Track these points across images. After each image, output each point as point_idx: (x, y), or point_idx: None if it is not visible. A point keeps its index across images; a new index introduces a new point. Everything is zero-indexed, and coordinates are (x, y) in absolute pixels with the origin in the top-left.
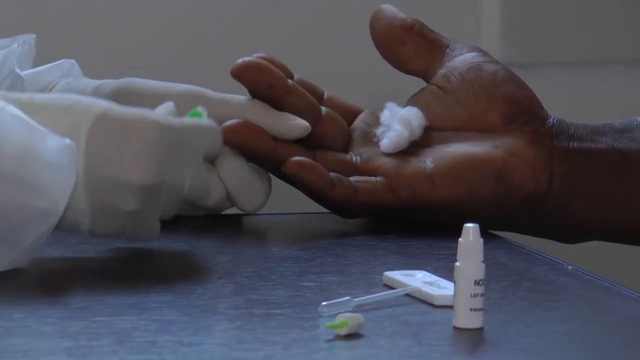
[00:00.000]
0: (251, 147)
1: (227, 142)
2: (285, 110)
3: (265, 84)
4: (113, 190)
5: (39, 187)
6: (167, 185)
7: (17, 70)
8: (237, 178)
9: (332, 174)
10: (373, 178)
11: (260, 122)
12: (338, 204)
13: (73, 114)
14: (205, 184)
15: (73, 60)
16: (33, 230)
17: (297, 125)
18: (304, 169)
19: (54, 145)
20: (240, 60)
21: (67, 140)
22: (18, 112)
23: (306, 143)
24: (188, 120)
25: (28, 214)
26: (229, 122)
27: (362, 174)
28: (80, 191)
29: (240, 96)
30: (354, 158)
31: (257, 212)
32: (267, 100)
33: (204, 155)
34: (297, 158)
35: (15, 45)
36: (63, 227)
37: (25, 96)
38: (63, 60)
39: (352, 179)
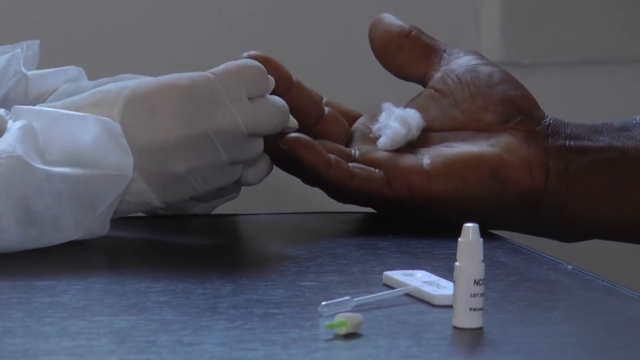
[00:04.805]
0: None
1: None
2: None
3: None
4: (158, 157)
5: (97, 164)
6: (216, 132)
7: (23, 69)
8: None
9: (330, 155)
10: (371, 168)
11: None
12: (333, 186)
13: (103, 106)
14: (259, 118)
15: (80, 68)
16: (106, 195)
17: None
18: (301, 145)
19: (96, 126)
20: (246, 54)
21: (105, 118)
22: (54, 109)
23: None
24: (226, 65)
25: (99, 180)
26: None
27: None
28: (133, 174)
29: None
30: (352, 151)
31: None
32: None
33: (250, 94)
34: (295, 134)
35: (19, 50)
36: (140, 210)
37: (57, 103)
38: (71, 66)
39: (350, 164)
